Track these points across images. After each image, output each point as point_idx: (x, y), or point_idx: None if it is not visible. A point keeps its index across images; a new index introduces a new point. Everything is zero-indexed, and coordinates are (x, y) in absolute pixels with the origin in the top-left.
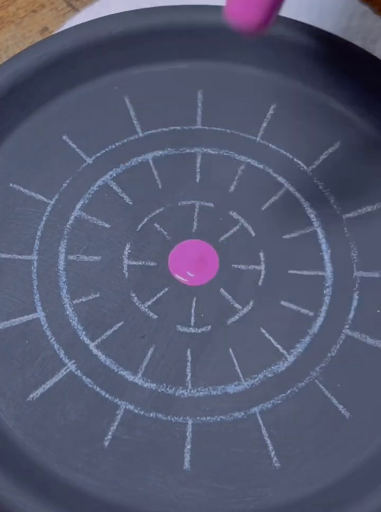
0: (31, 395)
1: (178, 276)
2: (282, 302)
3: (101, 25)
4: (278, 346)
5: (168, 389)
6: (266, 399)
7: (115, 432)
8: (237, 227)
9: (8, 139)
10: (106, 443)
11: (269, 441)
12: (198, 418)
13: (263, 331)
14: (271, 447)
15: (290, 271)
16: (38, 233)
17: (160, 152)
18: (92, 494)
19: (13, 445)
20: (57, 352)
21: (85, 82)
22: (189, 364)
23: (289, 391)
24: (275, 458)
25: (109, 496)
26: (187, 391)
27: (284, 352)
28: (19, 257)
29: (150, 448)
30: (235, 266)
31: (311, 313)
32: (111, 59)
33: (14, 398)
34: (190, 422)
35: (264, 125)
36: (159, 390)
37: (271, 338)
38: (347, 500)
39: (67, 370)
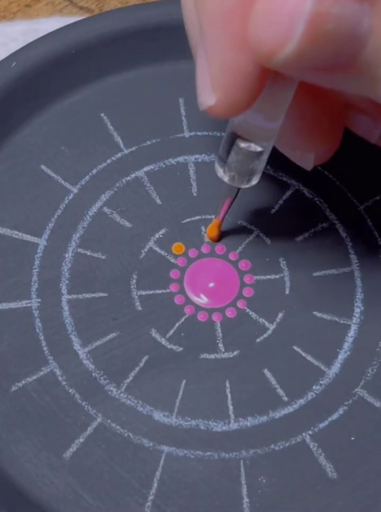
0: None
1: (196, 300)
2: (314, 312)
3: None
4: (316, 362)
5: (208, 425)
6: (315, 421)
7: (159, 483)
8: (251, 237)
9: None
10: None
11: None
12: (251, 451)
13: (297, 346)
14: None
15: (316, 274)
16: (34, 277)
17: (151, 166)
18: None
19: None
20: (83, 404)
21: (53, 103)
22: (228, 393)
23: (340, 409)
24: (335, 475)
25: None
26: (234, 424)
27: (323, 367)
28: (18, 305)
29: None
30: (257, 278)
31: (346, 320)
32: (75, 73)
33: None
34: (244, 456)
35: None
36: (202, 427)
37: (307, 353)
38: None
39: (97, 423)
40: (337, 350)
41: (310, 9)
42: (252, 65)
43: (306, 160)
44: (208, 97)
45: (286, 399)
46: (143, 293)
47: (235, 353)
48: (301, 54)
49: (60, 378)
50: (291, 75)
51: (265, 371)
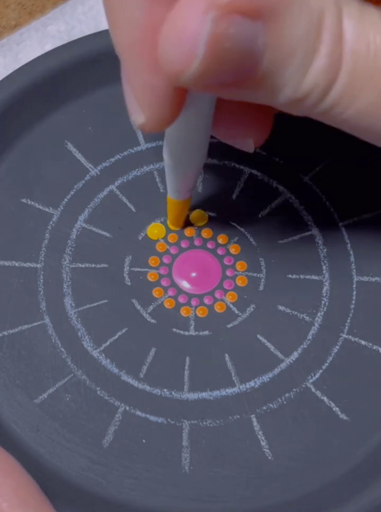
0: (37, 399)
1: (180, 285)
2: (280, 307)
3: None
4: (275, 351)
5: (166, 392)
6: (262, 403)
7: (116, 433)
8: (238, 237)
9: (12, 149)
10: (106, 443)
11: (264, 443)
12: (194, 421)
13: (261, 336)
14: (267, 451)
15: (289, 276)
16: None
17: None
18: (96, 492)
19: (18, 447)
20: (63, 357)
21: (89, 93)
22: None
23: (285, 396)
24: (271, 458)
25: (111, 493)
26: (183, 394)
27: (281, 356)
28: (25, 265)
29: (149, 449)
30: (237, 273)
31: (308, 318)
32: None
33: (22, 403)
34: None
35: None
36: (158, 393)
37: (268, 343)
38: (341, 500)
39: (72, 375)
40: (297, 342)
41: (209, 31)
42: (168, 84)
43: (246, 145)
44: (138, 116)
45: (237, 380)
46: (134, 270)
47: (204, 333)
48: (205, 71)
49: (50, 332)
50: (200, 91)
51: (226, 354)
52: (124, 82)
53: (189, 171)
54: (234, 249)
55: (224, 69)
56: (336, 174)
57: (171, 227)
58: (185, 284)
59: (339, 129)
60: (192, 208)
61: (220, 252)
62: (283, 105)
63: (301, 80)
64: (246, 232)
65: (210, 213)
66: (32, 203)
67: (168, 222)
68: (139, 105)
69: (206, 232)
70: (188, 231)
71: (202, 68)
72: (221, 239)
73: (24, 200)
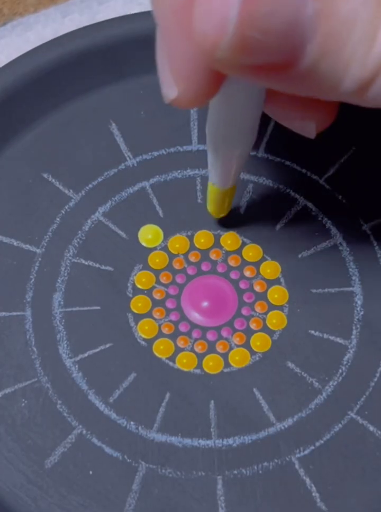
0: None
1: (187, 312)
2: (289, 363)
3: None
4: (268, 411)
5: (133, 425)
6: (234, 466)
7: (63, 455)
8: (255, 255)
9: (48, 118)
10: (49, 464)
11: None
12: (152, 465)
13: (257, 390)
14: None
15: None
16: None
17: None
18: None
19: None
20: (33, 357)
21: (57, 108)
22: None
23: (263, 464)
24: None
25: None
26: (150, 432)
27: (273, 419)
28: (24, 246)
29: (94, 483)
30: (253, 315)
31: (318, 385)
32: (84, 79)
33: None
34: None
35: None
36: (123, 424)
37: (263, 400)
38: None
39: (36, 379)
40: (296, 409)
41: None
42: None
43: (307, 128)
44: (171, 90)
45: (214, 433)
46: (141, 280)
47: (195, 371)
48: (242, 43)
49: (27, 326)
50: (241, 75)
51: (212, 401)
52: (158, 50)
53: (233, 155)
54: (249, 269)
55: (263, 42)
56: (355, 173)
57: (211, 213)
58: (193, 313)
59: (351, 123)
60: (195, 230)
61: (233, 275)
62: (349, 92)
63: (368, 53)
64: (262, 249)
65: (216, 232)
66: (53, 180)
67: (208, 208)
68: (173, 77)
69: (215, 253)
70: (214, 253)
71: (237, 39)
72: (233, 259)
73: (45, 175)
